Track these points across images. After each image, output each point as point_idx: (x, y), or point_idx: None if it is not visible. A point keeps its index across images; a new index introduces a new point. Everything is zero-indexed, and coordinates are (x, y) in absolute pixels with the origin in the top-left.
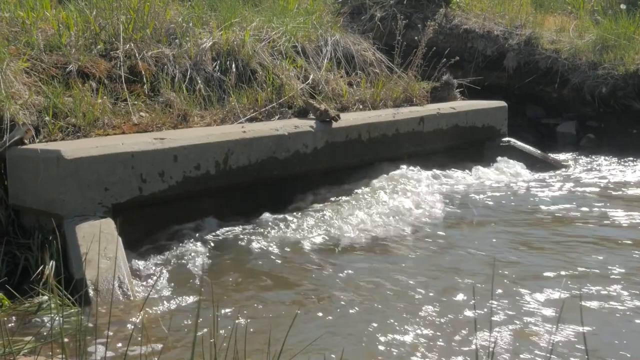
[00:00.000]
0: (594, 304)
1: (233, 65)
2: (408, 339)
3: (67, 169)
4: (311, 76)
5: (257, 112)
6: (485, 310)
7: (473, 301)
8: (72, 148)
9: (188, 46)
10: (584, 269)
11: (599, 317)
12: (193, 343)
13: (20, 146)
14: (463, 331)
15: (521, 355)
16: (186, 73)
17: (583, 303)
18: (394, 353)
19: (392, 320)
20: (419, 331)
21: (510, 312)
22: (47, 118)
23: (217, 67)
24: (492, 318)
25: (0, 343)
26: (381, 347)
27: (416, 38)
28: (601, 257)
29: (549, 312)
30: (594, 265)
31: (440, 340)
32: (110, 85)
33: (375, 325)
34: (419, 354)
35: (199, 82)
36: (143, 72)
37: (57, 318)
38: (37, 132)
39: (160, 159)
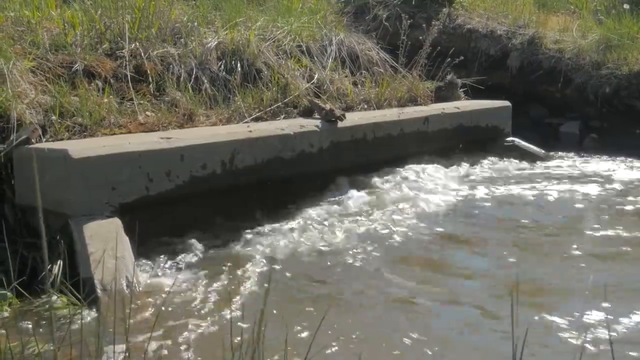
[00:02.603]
0: None
1: (238, 65)
2: None
3: (74, 169)
4: (316, 76)
5: (262, 111)
6: None
7: None
8: (79, 147)
9: (193, 46)
10: None
11: None
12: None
13: (27, 145)
14: None
15: None
16: (192, 72)
17: None
18: None
19: None
20: None
21: None
22: (53, 117)
23: (223, 66)
24: None
25: (16, 344)
26: None
27: (421, 38)
28: None
29: None
30: None
31: None
32: (116, 84)
33: None
34: None
35: (205, 81)
36: (149, 72)
37: (72, 318)
38: (44, 132)
39: (166, 158)
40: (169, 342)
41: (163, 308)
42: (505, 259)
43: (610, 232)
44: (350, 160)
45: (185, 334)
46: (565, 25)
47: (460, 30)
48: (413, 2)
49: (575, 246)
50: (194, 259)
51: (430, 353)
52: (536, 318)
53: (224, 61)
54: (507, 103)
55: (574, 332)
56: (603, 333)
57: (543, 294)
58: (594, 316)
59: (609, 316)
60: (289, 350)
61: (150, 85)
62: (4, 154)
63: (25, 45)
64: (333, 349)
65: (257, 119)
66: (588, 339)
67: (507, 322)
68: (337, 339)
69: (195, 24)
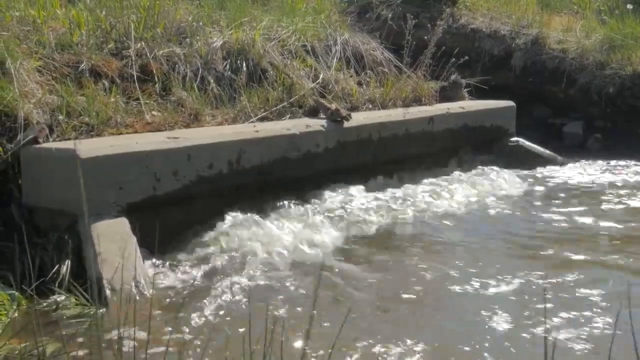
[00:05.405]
0: None
1: (244, 65)
2: None
3: (82, 168)
4: (321, 75)
5: (267, 111)
6: None
7: None
8: (87, 147)
9: (199, 45)
10: None
11: None
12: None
13: (34, 145)
14: None
15: None
16: (197, 72)
17: None
18: None
19: None
20: None
21: None
22: (60, 117)
23: (228, 66)
24: None
25: (31, 344)
26: None
27: (425, 38)
28: None
29: None
30: None
31: None
32: (122, 84)
33: None
34: None
35: (210, 81)
36: (154, 71)
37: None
38: (51, 131)
39: (174, 158)
40: (181, 341)
41: (173, 308)
42: None
43: None
44: (356, 160)
45: (196, 334)
46: (569, 25)
47: (463, 30)
48: (415, 2)
49: None
50: (203, 258)
51: None
52: None
53: (229, 61)
54: (511, 103)
55: None
56: None
57: None
58: None
59: None
60: None
61: (156, 85)
62: (11, 154)
63: (31, 45)
64: None
65: (262, 119)
66: None
67: None
68: None
69: (201, 23)
